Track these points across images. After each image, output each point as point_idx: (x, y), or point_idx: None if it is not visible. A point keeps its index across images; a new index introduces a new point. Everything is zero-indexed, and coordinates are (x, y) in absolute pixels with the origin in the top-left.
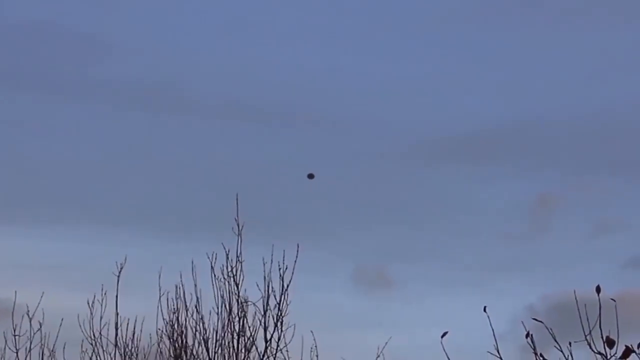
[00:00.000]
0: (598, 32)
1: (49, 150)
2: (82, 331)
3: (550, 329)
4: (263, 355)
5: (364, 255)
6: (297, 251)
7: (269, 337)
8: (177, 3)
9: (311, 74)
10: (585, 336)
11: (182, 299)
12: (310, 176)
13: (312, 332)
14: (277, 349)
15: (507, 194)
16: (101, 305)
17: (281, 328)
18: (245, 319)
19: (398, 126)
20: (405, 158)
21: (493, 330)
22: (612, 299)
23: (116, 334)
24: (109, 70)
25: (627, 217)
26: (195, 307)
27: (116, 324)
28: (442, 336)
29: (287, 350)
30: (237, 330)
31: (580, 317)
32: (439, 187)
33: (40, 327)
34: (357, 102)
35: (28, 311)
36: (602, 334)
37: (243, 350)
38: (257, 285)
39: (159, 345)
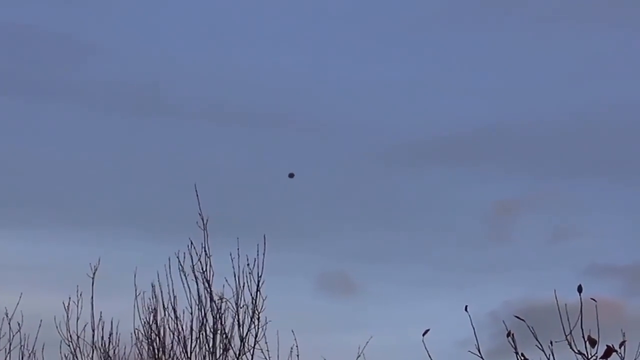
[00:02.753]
0: (577, 37)
1: (25, 151)
2: (58, 333)
3: (532, 328)
4: (239, 353)
5: (334, 257)
6: (264, 243)
7: (243, 334)
8: (159, 4)
9: (292, 76)
10: (566, 336)
11: (158, 298)
12: (291, 175)
13: (292, 331)
14: (254, 346)
15: (471, 198)
16: (77, 306)
17: (257, 324)
18: (220, 316)
19: (374, 129)
20: (382, 161)
21: (474, 329)
22: (592, 299)
23: (93, 335)
24: (87, 72)
25: (585, 223)
26: (172, 306)
27: (92, 325)
28: (424, 334)
29: (260, 348)
30: (213, 328)
31: (561, 318)
32: (415, 190)
33: (20, 328)
34: (336, 105)
35: (7, 312)
36: (583, 334)
37: (220, 348)
38: (226, 281)
39: (138, 347)
